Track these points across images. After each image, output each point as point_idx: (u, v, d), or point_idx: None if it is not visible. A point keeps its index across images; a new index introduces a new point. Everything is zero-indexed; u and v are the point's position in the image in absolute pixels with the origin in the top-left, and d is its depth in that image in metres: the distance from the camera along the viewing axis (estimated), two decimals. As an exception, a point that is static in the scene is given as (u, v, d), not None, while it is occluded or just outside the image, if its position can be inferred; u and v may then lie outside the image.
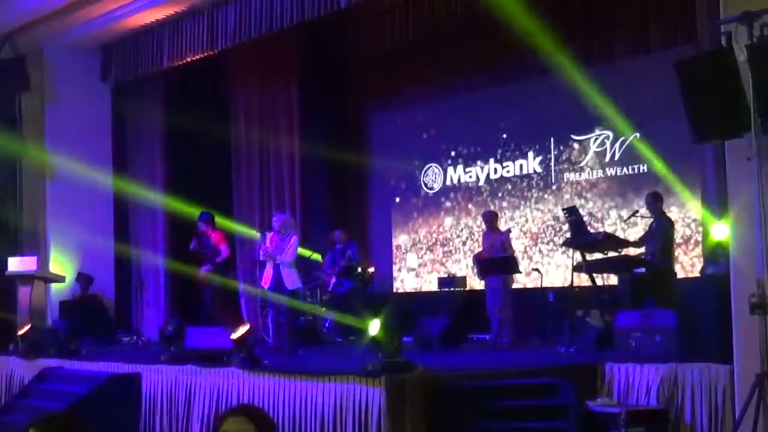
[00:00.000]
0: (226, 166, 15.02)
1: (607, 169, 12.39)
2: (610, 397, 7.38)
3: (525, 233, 13.20)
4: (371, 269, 13.55)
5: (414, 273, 14.68)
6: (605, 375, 7.56)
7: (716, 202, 8.06)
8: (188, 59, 13.16)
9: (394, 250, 15.02)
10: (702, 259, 10.02)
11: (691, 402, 6.95)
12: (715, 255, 7.87)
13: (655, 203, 10.11)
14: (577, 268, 10.09)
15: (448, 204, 14.35)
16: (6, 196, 14.49)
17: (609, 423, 6.74)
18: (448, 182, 14.36)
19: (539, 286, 11.62)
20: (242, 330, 8.56)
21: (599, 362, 7.70)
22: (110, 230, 14.84)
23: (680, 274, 10.59)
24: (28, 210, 14.41)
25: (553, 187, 12.99)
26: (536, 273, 11.84)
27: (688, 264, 11.25)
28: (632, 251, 10.15)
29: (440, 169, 14.45)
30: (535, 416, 6.98)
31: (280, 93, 14.91)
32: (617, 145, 12.19)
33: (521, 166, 13.40)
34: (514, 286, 11.47)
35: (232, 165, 15.03)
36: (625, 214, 11.69)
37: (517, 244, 12.60)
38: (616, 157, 12.24)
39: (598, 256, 9.96)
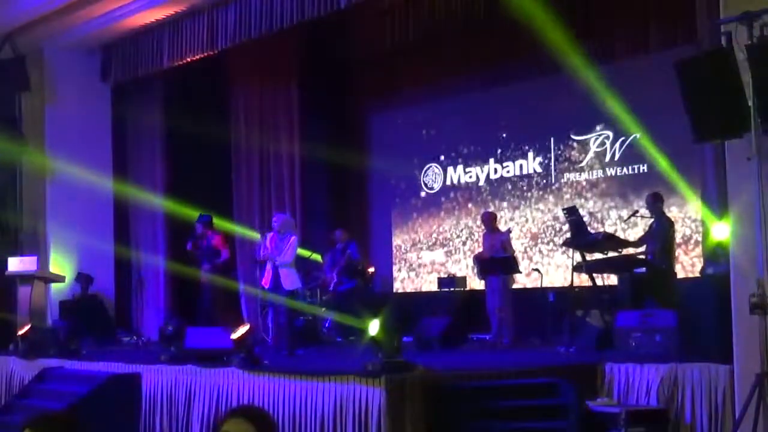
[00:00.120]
0: (226, 166, 15.01)
1: (607, 169, 12.39)
2: (610, 397, 7.38)
3: (525, 233, 13.20)
4: (371, 269, 13.56)
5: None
6: (605, 375, 7.56)
7: (716, 202, 8.07)
8: (188, 59, 13.15)
9: (394, 250, 15.02)
10: (702, 259, 10.02)
11: (691, 402, 6.96)
12: (715, 255, 7.87)
13: (655, 203, 10.11)
14: (577, 268, 10.09)
15: (448, 204, 14.35)
16: (6, 196, 14.48)
17: (609, 423, 6.74)
18: (448, 182, 14.36)
19: (539, 286, 11.63)
20: (242, 330, 8.56)
21: (599, 362, 7.71)
22: (110, 230, 14.84)
23: (680, 274, 10.59)
24: (28, 210, 14.40)
25: (553, 187, 12.99)
26: (536, 273, 11.84)
27: (688, 264, 11.25)
28: (632, 251, 10.14)
29: (440, 169, 14.45)
30: (535, 416, 6.98)
31: (280, 93, 14.91)
32: (617, 145, 12.19)
33: (521, 166, 13.40)
34: (514, 286, 11.47)
35: (232, 165, 15.03)
36: (625, 214, 11.69)
37: (517, 244, 12.60)
38: (616, 157, 12.24)
39: (598, 256, 9.96)
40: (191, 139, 13.95)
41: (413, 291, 14.66)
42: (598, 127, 12.39)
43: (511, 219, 13.33)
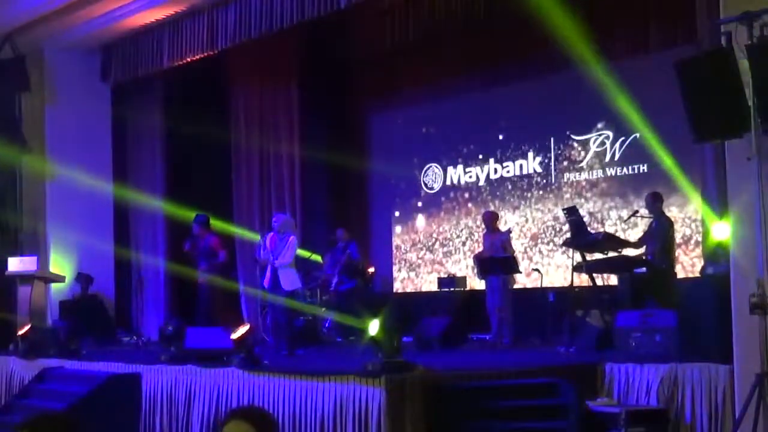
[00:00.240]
0: (226, 166, 15.02)
1: (607, 169, 12.38)
2: (610, 397, 7.39)
3: (525, 233, 13.20)
4: (371, 269, 13.56)
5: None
6: (605, 375, 7.57)
7: (716, 201, 8.07)
8: (188, 59, 13.15)
9: (394, 250, 15.02)
10: (702, 259, 10.02)
11: (691, 402, 6.96)
12: (715, 255, 7.87)
13: (655, 203, 10.11)
14: (577, 268, 10.09)
15: (448, 204, 14.35)
16: (6, 196, 14.48)
17: (609, 423, 6.75)
18: (448, 182, 14.35)
19: (539, 286, 11.63)
20: (242, 330, 8.56)
21: (599, 362, 7.71)
22: (110, 230, 14.84)
23: (680, 274, 10.59)
24: (28, 210, 14.40)
25: (553, 187, 12.99)
26: (536, 273, 11.84)
27: (688, 264, 11.25)
28: (632, 251, 10.14)
29: (440, 169, 14.45)
30: (535, 416, 6.98)
31: (280, 93, 14.91)
32: (617, 145, 12.19)
33: (521, 166, 13.40)
34: (514, 286, 11.46)
35: (232, 165, 15.04)
36: (625, 214, 11.68)
37: (517, 245, 12.59)
38: (616, 157, 12.24)
39: (598, 256, 9.96)
40: (191, 139, 13.96)
41: (413, 291, 14.66)
42: (598, 127, 12.39)
43: (511, 219, 13.33)
